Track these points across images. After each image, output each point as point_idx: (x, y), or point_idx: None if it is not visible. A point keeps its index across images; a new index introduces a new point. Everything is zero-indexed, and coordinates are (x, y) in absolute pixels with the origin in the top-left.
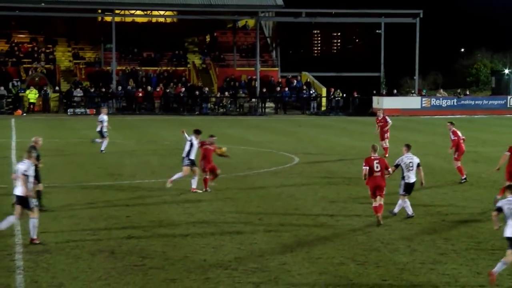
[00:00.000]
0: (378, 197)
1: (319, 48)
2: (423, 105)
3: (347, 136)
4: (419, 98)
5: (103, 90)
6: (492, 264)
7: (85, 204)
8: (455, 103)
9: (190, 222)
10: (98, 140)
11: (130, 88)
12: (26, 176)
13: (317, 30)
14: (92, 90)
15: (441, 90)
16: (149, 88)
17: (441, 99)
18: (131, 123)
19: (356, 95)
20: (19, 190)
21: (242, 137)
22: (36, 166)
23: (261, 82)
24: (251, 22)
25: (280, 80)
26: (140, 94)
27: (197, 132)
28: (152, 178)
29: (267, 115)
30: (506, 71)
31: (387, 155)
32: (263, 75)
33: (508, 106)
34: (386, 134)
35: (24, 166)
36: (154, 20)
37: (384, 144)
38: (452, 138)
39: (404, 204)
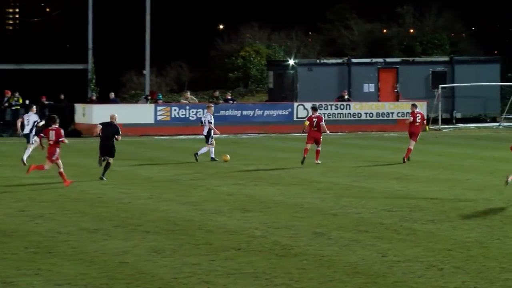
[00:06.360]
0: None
1: None
2: (159, 118)
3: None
4: (153, 107)
5: None
6: None
7: None
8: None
9: None
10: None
11: None
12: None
13: None
14: None
15: (188, 93)
16: None
17: (187, 108)
18: None
19: (46, 102)
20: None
21: None
22: None
23: None
24: None
25: None
26: None
27: None
28: None
29: None
30: (291, 61)
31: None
32: None
33: (295, 118)
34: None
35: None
36: None
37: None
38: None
39: None
